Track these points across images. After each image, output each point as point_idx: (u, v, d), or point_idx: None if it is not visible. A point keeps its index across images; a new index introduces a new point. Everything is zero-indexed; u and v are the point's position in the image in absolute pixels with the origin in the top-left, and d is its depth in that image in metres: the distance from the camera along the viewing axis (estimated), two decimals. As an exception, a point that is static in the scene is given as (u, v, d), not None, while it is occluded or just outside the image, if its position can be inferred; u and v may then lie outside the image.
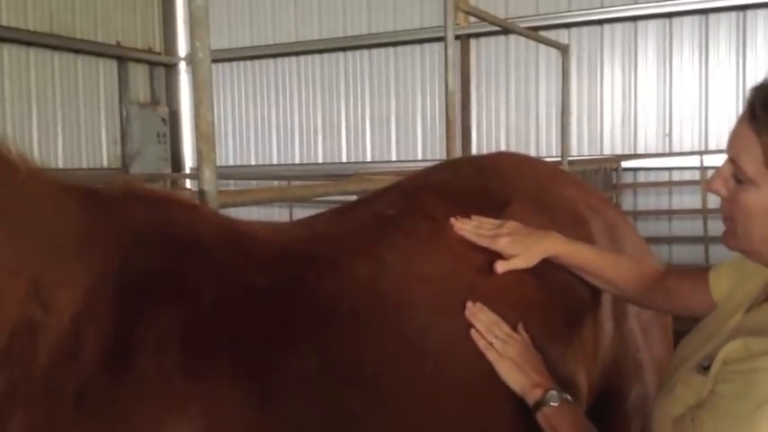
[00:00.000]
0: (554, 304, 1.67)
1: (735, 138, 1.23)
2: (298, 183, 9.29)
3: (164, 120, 11.25)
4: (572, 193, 1.95)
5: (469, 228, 1.69)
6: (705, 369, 1.23)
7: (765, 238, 1.22)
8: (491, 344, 1.54)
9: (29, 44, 9.45)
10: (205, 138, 1.98)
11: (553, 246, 1.68)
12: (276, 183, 10.30)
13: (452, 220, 1.69)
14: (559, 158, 6.17)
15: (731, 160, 1.24)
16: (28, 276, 1.19)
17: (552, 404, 1.48)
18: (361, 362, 1.39)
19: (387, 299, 1.48)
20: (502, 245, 1.66)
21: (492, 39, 9.13)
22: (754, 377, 1.12)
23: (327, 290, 1.45)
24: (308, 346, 1.36)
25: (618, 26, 8.48)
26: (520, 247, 1.65)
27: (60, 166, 9.81)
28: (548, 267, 1.68)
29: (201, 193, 1.98)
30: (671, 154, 8.17)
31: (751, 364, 1.14)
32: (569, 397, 1.51)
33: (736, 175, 1.23)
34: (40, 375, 1.17)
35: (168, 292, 1.31)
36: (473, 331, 1.54)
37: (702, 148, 7.97)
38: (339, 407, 1.34)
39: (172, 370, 1.22)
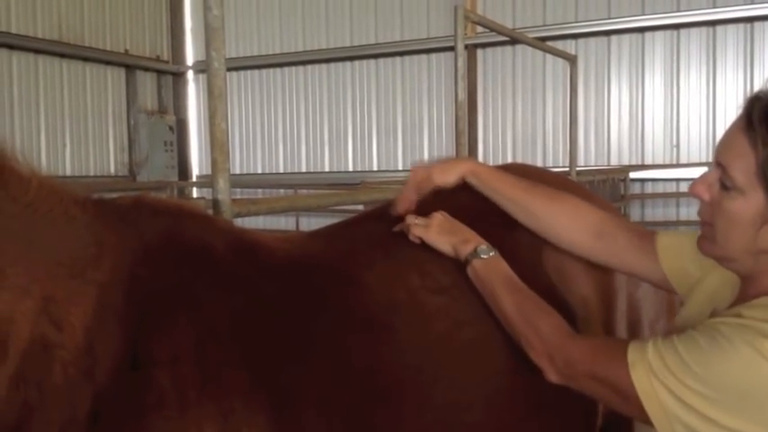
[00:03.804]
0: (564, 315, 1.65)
1: (727, 144, 1.21)
2: (304, 191, 9.30)
3: (171, 128, 11.30)
4: (584, 204, 1.93)
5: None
6: None
7: (744, 248, 1.20)
8: (415, 224, 1.59)
9: (37, 52, 9.50)
10: (219, 147, 1.98)
11: (470, 166, 1.68)
12: (283, 191, 10.32)
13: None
14: (567, 168, 6.17)
15: (720, 166, 1.21)
16: (39, 294, 1.16)
17: (483, 257, 1.49)
18: (377, 373, 1.38)
19: (402, 310, 1.47)
20: (419, 173, 1.68)
21: (499, 49, 9.14)
22: (716, 327, 1.16)
23: (341, 300, 1.44)
24: (324, 358, 1.35)
25: (625, 37, 8.49)
26: (436, 168, 1.68)
27: (68, 173, 9.85)
28: (553, 281, 1.65)
29: (215, 202, 1.98)
30: (679, 165, 8.16)
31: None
32: (498, 253, 1.51)
33: (724, 181, 1.20)
34: (54, 396, 1.14)
35: (180, 304, 1.29)
36: (396, 228, 1.61)
37: (710, 160, 7.93)
38: (357, 419, 1.33)
39: (187, 385, 1.20)
